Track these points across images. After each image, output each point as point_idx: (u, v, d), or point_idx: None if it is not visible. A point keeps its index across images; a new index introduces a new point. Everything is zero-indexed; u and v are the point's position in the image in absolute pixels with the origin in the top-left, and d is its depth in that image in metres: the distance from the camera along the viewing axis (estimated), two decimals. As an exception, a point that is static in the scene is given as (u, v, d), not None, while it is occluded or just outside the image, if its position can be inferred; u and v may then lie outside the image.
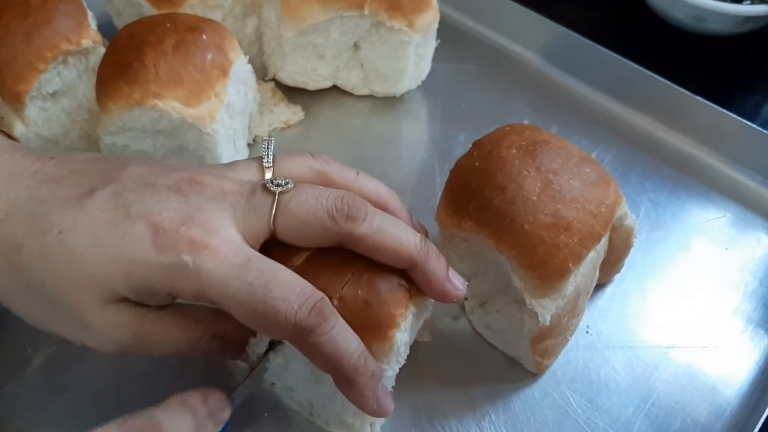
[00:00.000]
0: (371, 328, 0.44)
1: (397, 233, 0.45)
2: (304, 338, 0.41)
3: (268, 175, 0.47)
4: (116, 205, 0.43)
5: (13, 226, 0.43)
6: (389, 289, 0.45)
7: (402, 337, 0.46)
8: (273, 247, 0.45)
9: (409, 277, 0.47)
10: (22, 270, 0.42)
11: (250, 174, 0.48)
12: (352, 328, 0.43)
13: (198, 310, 0.46)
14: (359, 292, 0.44)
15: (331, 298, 0.43)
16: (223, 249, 0.41)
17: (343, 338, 0.42)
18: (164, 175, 0.45)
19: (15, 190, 0.43)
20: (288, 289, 0.41)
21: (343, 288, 0.44)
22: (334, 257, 0.46)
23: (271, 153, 0.49)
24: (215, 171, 0.47)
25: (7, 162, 0.45)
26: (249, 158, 0.53)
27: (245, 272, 0.40)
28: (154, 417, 0.38)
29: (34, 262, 0.42)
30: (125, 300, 0.43)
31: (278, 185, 0.45)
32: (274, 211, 0.44)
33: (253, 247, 0.43)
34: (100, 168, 0.45)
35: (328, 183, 0.49)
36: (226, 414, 0.41)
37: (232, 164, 0.49)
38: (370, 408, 0.44)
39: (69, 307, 0.42)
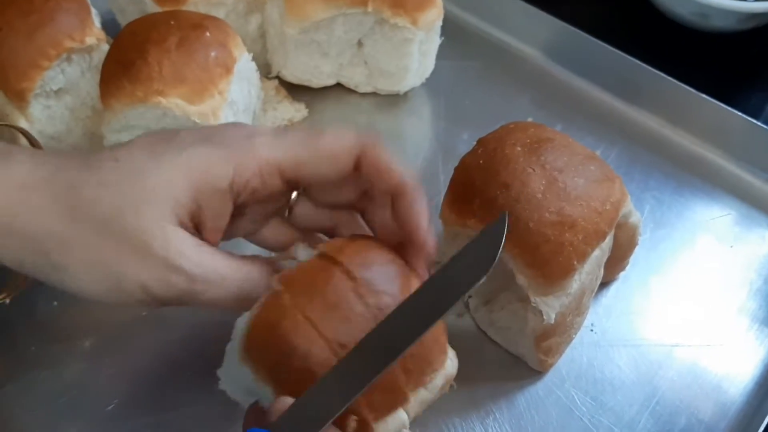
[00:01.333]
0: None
1: (403, 165, 0.46)
2: (372, 149, 0.44)
3: None
4: (162, 132, 0.45)
5: (70, 169, 0.43)
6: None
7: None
8: None
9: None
10: (83, 205, 0.42)
11: None
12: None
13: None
14: None
15: None
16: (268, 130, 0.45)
17: (402, 162, 0.45)
18: None
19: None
20: (337, 128, 0.45)
21: None
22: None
23: None
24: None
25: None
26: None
27: (292, 129, 0.45)
28: None
29: (94, 192, 0.42)
30: (182, 225, 0.43)
31: None
32: None
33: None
34: None
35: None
36: None
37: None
38: (423, 234, 0.45)
39: (133, 232, 0.41)
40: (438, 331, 0.46)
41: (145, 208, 0.41)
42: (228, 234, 0.48)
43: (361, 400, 0.41)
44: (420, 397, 0.46)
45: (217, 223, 0.45)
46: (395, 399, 0.43)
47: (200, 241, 0.43)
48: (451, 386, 0.49)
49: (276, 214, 0.51)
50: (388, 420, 0.44)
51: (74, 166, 0.43)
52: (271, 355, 0.41)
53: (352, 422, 0.41)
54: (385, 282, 0.43)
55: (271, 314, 0.42)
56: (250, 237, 0.52)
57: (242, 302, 0.44)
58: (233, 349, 0.43)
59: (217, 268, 0.43)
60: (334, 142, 0.44)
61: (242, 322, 0.43)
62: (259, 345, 0.42)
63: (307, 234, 0.51)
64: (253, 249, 0.52)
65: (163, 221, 0.42)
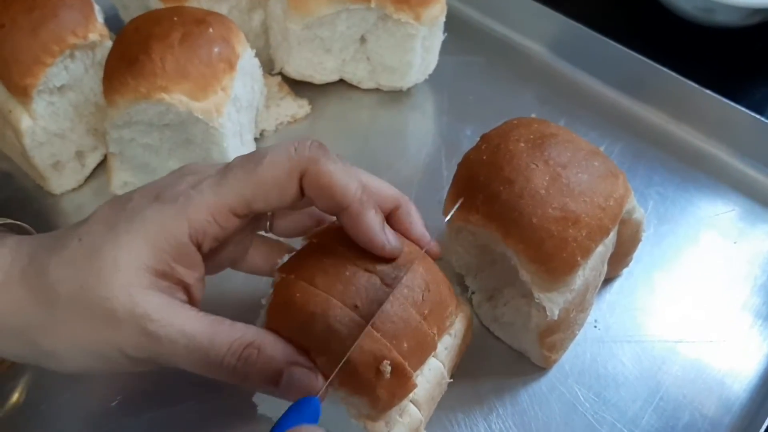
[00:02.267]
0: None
1: (346, 178, 0.45)
2: (313, 167, 0.44)
3: None
4: (118, 200, 0.46)
5: (41, 254, 0.44)
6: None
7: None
8: None
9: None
10: (53, 288, 0.43)
11: None
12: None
13: (228, 321, 0.45)
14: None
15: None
16: (211, 173, 0.45)
17: (347, 172, 0.45)
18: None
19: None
20: (276, 146, 0.45)
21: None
22: None
23: None
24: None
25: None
26: None
27: (232, 165, 0.45)
28: None
29: (61, 273, 0.43)
30: (153, 287, 0.43)
31: None
32: None
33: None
34: None
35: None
36: None
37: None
38: (379, 241, 0.45)
39: (99, 303, 0.42)
40: (442, 275, 0.49)
41: (109, 278, 0.42)
42: (213, 269, 0.50)
43: (393, 348, 0.43)
44: (445, 343, 0.49)
45: (193, 274, 0.45)
46: (424, 345, 0.46)
47: (174, 301, 0.43)
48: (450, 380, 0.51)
49: (255, 232, 0.52)
50: (424, 371, 0.47)
51: (45, 250, 0.44)
52: (294, 328, 0.44)
53: (387, 366, 0.43)
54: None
55: (282, 295, 0.45)
56: (238, 266, 0.53)
57: (209, 367, 0.43)
58: None
59: (184, 328, 0.42)
60: (273, 171, 0.44)
61: (260, 319, 0.46)
62: (280, 325, 0.44)
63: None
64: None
65: (132, 287, 0.42)
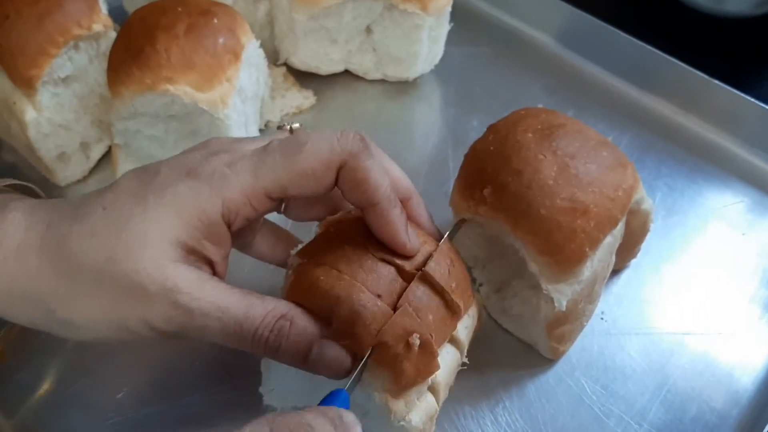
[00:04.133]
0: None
1: (381, 176, 0.45)
2: (352, 162, 0.43)
3: None
4: (144, 171, 0.45)
5: (62, 222, 0.44)
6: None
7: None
8: None
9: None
10: (76, 259, 0.42)
11: None
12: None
13: (259, 294, 0.45)
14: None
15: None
16: (247, 154, 0.45)
17: (381, 170, 0.45)
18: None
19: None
20: (318, 134, 0.44)
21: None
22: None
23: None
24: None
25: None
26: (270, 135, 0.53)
27: (271, 147, 0.44)
28: (304, 418, 0.37)
29: (84, 244, 0.42)
30: (182, 261, 0.43)
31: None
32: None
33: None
34: None
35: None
36: (357, 430, 0.39)
37: (254, 138, 0.50)
38: (401, 236, 0.45)
39: (127, 276, 0.41)
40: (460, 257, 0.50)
41: (139, 251, 0.42)
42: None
43: (421, 323, 0.44)
44: (465, 323, 0.50)
45: (220, 252, 0.45)
46: (448, 319, 0.47)
47: (204, 275, 0.43)
48: (464, 364, 0.51)
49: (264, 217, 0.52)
50: (443, 354, 0.48)
51: (66, 218, 0.44)
52: (317, 311, 0.44)
53: (416, 339, 0.43)
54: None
55: (304, 279, 0.45)
56: (246, 249, 0.52)
57: (242, 339, 0.43)
58: None
59: (216, 301, 0.42)
60: (314, 161, 0.43)
61: None
62: (302, 308, 0.44)
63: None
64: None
65: (162, 260, 0.42)
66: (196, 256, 0.43)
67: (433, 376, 0.46)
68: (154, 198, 0.43)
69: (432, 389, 0.47)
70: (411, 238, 0.46)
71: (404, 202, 0.49)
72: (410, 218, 0.49)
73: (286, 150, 0.44)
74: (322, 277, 0.44)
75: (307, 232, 0.51)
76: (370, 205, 0.45)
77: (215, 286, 0.43)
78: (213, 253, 0.44)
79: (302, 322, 0.43)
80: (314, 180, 0.44)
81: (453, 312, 0.47)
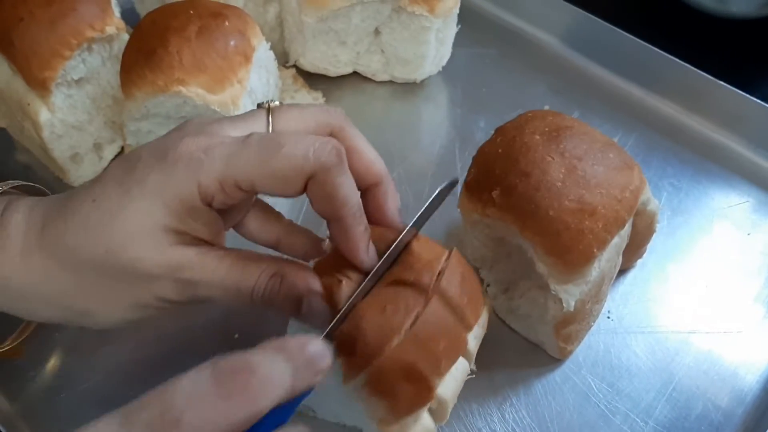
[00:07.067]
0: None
1: (350, 193, 0.45)
2: (323, 175, 0.43)
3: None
4: (127, 158, 0.46)
5: (56, 219, 0.45)
6: None
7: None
8: None
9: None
10: (73, 253, 0.44)
11: (257, 126, 0.49)
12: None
13: (254, 254, 0.47)
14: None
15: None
16: (226, 141, 0.44)
17: (352, 186, 0.45)
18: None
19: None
20: (297, 138, 0.43)
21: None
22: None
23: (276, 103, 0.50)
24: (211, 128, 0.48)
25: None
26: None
27: (250, 142, 0.43)
28: (248, 358, 0.35)
29: (80, 238, 0.44)
30: (179, 243, 0.44)
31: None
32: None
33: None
34: None
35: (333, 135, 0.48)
36: (327, 362, 0.38)
37: (233, 118, 0.50)
38: (361, 255, 0.46)
39: (130, 264, 0.43)
40: (470, 266, 0.50)
41: (135, 241, 0.43)
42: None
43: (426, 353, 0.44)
44: (475, 333, 0.49)
45: (211, 229, 0.46)
46: (458, 343, 0.47)
47: (202, 248, 0.45)
48: (472, 372, 0.51)
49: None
50: (453, 369, 0.47)
51: (59, 215, 0.45)
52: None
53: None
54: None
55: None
56: (237, 229, 0.52)
57: (242, 298, 0.45)
58: None
59: (216, 271, 0.44)
60: (286, 166, 0.43)
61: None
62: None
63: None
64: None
65: (159, 245, 0.43)
66: (189, 236, 0.45)
67: (440, 393, 0.46)
68: (138, 187, 0.43)
69: (438, 406, 0.47)
70: (369, 258, 0.47)
71: (373, 188, 0.49)
72: (376, 206, 0.49)
73: (263, 149, 0.44)
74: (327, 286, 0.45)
75: (314, 227, 0.51)
76: (335, 220, 0.45)
77: (213, 257, 0.45)
78: (204, 232, 0.45)
79: (291, 278, 0.45)
80: (284, 183, 0.44)
81: (465, 327, 0.47)
